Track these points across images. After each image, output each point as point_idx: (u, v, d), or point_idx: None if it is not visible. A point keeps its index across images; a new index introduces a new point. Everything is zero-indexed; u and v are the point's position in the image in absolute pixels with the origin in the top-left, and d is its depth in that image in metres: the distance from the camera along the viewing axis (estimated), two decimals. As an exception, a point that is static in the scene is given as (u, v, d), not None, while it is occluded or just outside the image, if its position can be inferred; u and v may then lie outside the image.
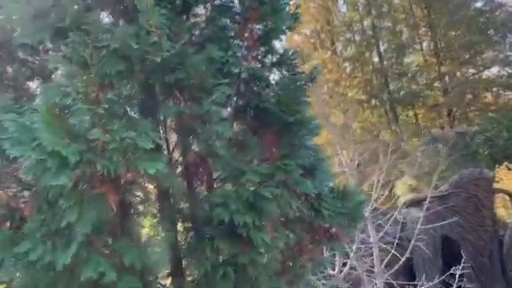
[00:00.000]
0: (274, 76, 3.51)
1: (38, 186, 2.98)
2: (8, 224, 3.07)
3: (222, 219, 3.17)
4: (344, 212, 3.98)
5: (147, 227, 3.51)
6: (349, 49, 24.75)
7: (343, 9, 24.88)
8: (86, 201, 2.75)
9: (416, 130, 22.78)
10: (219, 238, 3.28)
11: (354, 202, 4.17)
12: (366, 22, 24.45)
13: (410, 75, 24.37)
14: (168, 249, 3.18)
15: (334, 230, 4.03)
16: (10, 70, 3.56)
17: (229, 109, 3.45)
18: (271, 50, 3.53)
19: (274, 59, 3.54)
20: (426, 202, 10.08)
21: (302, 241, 3.84)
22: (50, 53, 3.26)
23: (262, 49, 3.47)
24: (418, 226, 9.58)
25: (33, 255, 2.75)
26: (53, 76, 3.44)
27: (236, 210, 3.17)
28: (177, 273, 3.37)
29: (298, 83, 3.58)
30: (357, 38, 24.87)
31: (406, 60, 24.78)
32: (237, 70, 3.29)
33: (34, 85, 3.69)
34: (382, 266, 8.49)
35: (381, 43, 24.41)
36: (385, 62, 24.17)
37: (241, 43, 3.34)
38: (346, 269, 7.86)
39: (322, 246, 4.11)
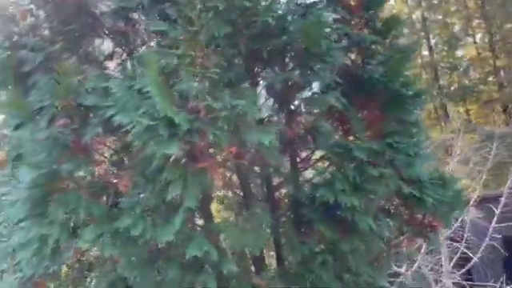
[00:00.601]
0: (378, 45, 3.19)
1: (135, 158, 2.83)
2: (104, 199, 2.94)
3: (325, 201, 2.90)
4: (446, 201, 3.62)
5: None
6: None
7: (391, 1, 24.03)
8: (189, 175, 2.55)
9: (468, 126, 21.68)
10: (320, 222, 3.01)
11: (454, 190, 3.79)
12: (416, 15, 23.51)
13: (461, 69, 23.24)
14: (266, 231, 2.95)
15: (433, 220, 3.67)
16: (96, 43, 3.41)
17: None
18: (375, 17, 3.21)
19: (379, 26, 3.21)
20: (503, 199, 9.39)
21: (400, 230, 3.52)
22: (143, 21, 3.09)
23: (367, 15, 3.16)
24: (493, 225, 8.94)
25: (134, 231, 2.58)
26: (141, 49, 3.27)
27: (341, 191, 2.89)
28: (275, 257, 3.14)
29: (404, 53, 3.25)
30: (405, 31, 23.95)
31: (458, 53, 23.65)
32: (344, 36, 3.00)
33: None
34: (451, 265, 7.97)
35: (431, 36, 23.41)
36: (435, 56, 23.16)
37: (346, 9, 3.04)
38: (415, 266, 7.41)
39: (419, 237, 3.77)
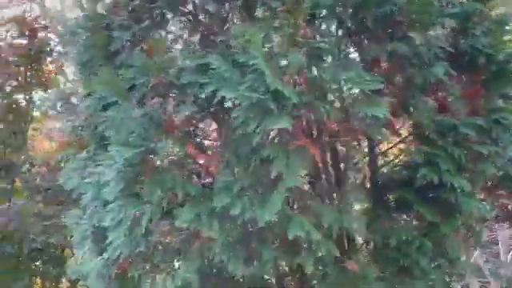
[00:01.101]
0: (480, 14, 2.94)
1: (228, 137, 2.75)
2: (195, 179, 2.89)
3: (428, 181, 2.72)
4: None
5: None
6: None
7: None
8: (291, 152, 2.44)
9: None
10: (419, 203, 2.84)
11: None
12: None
13: None
14: (363, 212, 2.81)
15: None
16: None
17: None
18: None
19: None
20: None
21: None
22: None
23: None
24: None
25: (234, 210, 2.50)
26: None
27: (446, 171, 2.70)
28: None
29: (507, 26, 3.00)
30: None
31: None
32: (446, 5, 2.78)
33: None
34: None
35: None
36: None
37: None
38: None
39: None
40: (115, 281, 3.43)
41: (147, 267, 3.35)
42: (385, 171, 3.08)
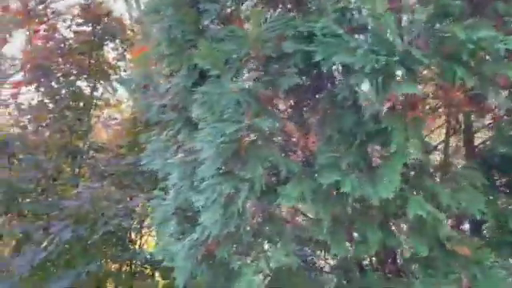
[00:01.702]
0: None
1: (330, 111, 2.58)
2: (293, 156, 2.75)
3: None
4: None
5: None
6: None
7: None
8: (410, 124, 2.24)
9: None
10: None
11: None
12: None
13: None
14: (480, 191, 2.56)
15: None
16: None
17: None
18: None
19: None
20: None
21: None
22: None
23: None
24: None
25: (344, 188, 2.34)
26: None
27: None
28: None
29: None
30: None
31: None
32: None
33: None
34: None
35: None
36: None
37: None
38: None
39: None
40: (203, 262, 3.38)
41: (237, 248, 3.28)
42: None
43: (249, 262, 3.24)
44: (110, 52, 7.43)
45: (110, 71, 7.44)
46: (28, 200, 6.39)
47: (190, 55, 3.01)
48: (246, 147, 2.65)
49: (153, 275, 6.82)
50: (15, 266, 5.49)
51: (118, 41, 7.18)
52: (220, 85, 2.62)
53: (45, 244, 5.56)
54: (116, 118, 10.57)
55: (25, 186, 5.94)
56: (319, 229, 2.47)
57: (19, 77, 8.10)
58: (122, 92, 8.07)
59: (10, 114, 7.76)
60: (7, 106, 7.76)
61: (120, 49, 7.33)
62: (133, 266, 6.67)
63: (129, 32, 7.28)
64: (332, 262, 3.61)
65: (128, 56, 7.44)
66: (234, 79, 2.65)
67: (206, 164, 2.77)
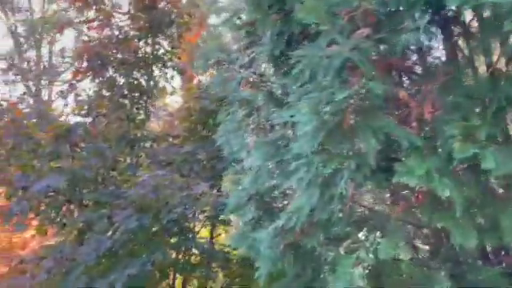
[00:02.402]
0: None
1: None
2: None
3: None
4: None
5: None
6: None
7: None
8: None
9: None
10: None
11: None
12: None
13: None
14: None
15: None
16: None
17: None
18: None
19: None
20: None
21: None
22: None
23: None
24: None
25: (485, 164, 1.92)
26: None
27: None
28: None
29: None
30: None
31: None
32: None
33: None
34: None
35: None
36: None
37: None
38: None
39: None
40: (289, 252, 3.07)
41: (327, 238, 2.93)
42: None
43: (343, 252, 2.88)
44: (165, 39, 7.25)
45: (166, 58, 7.27)
46: (88, 189, 6.35)
47: (275, 20, 2.69)
48: (352, 118, 2.29)
49: (208, 264, 6.64)
50: (80, 254, 5.43)
51: (174, 26, 6.99)
52: (320, 47, 2.26)
53: (110, 233, 5.47)
54: (166, 110, 10.48)
55: (88, 174, 5.88)
56: (448, 214, 2.06)
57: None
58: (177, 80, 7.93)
59: (66, 105, 7.81)
60: (65, 98, 7.82)
61: (176, 35, 7.14)
62: (192, 256, 6.52)
63: (185, 16, 7.06)
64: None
65: (184, 42, 7.25)
66: (340, 38, 2.28)
67: (302, 140, 2.42)
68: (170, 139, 7.73)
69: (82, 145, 6.29)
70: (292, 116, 2.51)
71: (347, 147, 2.32)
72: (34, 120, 6.38)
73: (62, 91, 7.97)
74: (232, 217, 6.36)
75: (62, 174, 5.57)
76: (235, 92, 3.30)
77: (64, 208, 6.23)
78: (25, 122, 6.19)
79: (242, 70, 3.32)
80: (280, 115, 2.69)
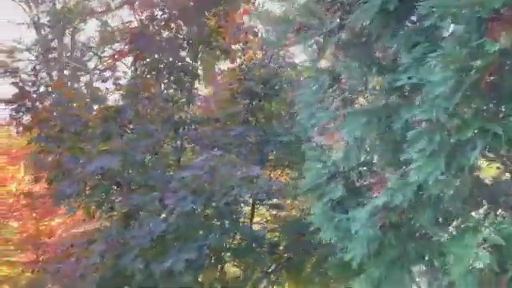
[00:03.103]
0: None
1: None
2: None
3: None
4: None
5: None
6: None
7: None
8: None
9: None
10: None
11: None
12: None
13: None
14: None
15: None
16: None
17: None
18: None
19: None
20: None
21: None
22: None
23: None
24: None
25: None
26: None
27: None
28: None
29: None
30: None
31: None
32: None
33: None
34: None
35: None
36: None
37: None
38: None
39: None
40: (389, 231, 2.82)
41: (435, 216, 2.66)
42: None
43: (455, 233, 2.62)
44: (211, 19, 7.01)
45: (212, 39, 7.04)
46: (137, 172, 6.20)
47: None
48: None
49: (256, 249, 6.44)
50: (134, 237, 5.30)
51: (222, 2, 6.74)
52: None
53: (163, 216, 5.31)
54: (199, 94, 10.26)
55: (138, 157, 5.72)
56: None
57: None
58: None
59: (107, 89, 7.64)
60: (105, 81, 7.66)
61: (222, 13, 6.89)
62: (242, 242, 6.33)
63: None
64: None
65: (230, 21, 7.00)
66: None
67: (427, 105, 2.15)
68: (214, 122, 7.52)
69: (131, 126, 6.13)
70: (410, 78, 2.25)
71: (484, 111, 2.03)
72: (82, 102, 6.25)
73: (101, 73, 7.84)
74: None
75: (115, 155, 5.42)
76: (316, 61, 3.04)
77: (113, 191, 6.10)
78: (74, 104, 6.06)
79: (328, 37, 3.04)
80: (392, 79, 2.41)
